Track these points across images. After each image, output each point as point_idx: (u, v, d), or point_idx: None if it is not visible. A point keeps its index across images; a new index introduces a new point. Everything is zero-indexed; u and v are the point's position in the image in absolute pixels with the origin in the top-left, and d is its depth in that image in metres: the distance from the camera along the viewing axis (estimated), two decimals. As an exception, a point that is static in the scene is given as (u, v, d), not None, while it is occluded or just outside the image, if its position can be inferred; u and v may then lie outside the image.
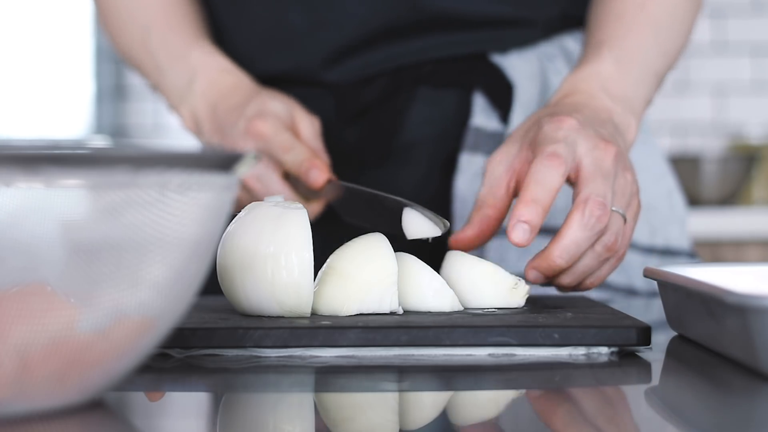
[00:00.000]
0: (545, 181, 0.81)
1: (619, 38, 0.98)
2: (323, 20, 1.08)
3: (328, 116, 1.09)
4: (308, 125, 1.00)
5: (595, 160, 0.84)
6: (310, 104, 1.10)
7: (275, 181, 0.98)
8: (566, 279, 0.84)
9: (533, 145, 0.85)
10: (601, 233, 0.82)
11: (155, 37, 1.10)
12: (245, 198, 0.99)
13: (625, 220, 0.85)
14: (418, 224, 0.82)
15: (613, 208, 0.83)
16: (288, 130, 0.98)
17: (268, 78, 1.11)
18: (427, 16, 1.07)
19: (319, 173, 0.93)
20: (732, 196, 2.63)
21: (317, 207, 0.98)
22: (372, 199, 0.82)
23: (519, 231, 0.80)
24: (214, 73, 1.06)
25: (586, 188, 0.82)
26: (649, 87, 0.98)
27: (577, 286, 0.86)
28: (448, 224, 0.82)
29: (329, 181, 0.93)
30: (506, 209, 0.86)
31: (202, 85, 1.05)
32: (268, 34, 1.10)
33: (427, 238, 0.82)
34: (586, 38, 1.01)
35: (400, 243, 0.82)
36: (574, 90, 0.94)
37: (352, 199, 0.93)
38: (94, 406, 0.56)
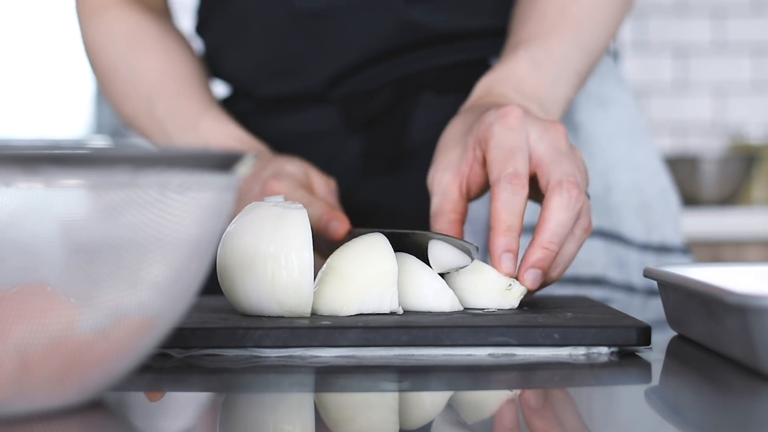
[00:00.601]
0: (513, 208, 0.80)
1: (539, 38, 0.97)
2: (323, 48, 1.08)
3: (334, 127, 1.10)
4: (323, 185, 1.00)
5: (550, 142, 0.83)
6: (316, 117, 1.10)
7: None
8: (555, 270, 0.83)
9: (483, 143, 0.85)
10: (578, 215, 0.82)
11: (161, 106, 1.09)
12: None
13: (588, 197, 0.84)
14: (445, 255, 0.80)
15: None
16: (303, 188, 0.98)
17: (272, 100, 1.11)
18: (424, 35, 1.07)
19: (340, 224, 0.92)
20: (732, 196, 2.63)
21: None
22: (395, 238, 0.81)
23: (507, 260, 0.80)
24: (226, 144, 1.06)
25: (556, 171, 0.82)
26: (569, 86, 0.97)
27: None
28: (477, 247, 0.80)
29: (349, 232, 0.93)
30: (465, 212, 0.86)
31: None
32: (268, 62, 1.10)
33: (457, 269, 0.81)
34: (507, 39, 1.01)
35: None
36: (487, 93, 0.94)
37: None
38: (94, 406, 0.56)
